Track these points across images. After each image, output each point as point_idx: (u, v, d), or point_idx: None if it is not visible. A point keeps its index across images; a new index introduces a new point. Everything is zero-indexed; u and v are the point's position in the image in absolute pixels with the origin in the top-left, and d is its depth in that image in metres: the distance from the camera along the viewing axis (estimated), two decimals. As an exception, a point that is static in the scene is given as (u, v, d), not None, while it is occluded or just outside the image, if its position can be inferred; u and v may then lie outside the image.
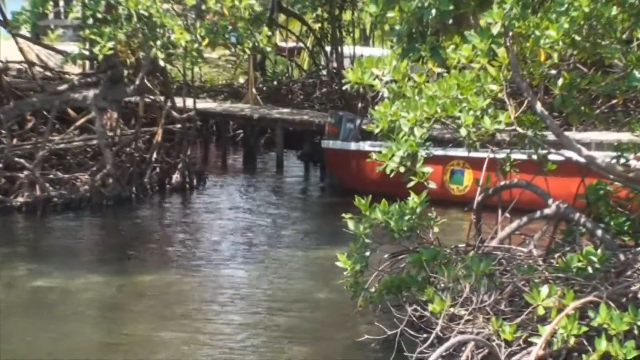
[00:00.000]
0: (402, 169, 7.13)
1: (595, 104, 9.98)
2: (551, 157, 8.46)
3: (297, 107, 23.61)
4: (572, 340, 6.37)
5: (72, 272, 11.05)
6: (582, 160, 7.46)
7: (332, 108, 21.65)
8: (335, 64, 25.55)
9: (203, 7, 13.33)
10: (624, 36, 7.10)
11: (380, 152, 7.20)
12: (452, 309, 7.19)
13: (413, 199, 7.74)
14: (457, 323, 7.14)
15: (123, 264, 11.61)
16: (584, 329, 6.37)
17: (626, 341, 6.21)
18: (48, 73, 18.35)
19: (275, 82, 27.64)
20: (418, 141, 7.07)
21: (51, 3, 15.11)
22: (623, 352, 6.12)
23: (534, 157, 8.56)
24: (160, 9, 12.68)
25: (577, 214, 8.15)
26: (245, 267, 11.73)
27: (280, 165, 20.74)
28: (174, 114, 17.75)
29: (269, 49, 15.07)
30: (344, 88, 8.10)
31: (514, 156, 8.92)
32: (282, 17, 28.52)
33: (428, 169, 7.20)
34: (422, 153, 7.14)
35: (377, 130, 7.39)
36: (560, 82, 7.61)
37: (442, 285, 7.56)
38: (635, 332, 6.29)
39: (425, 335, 7.22)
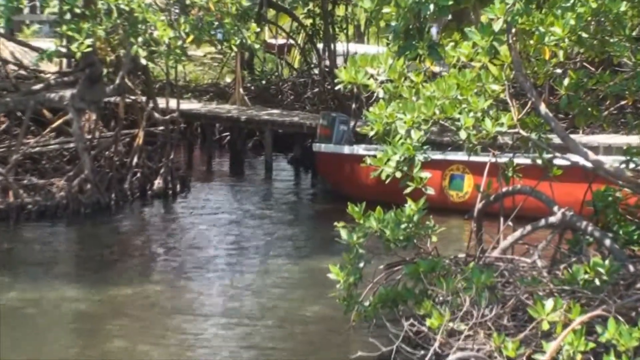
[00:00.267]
0: (398, 175, 7.15)
1: (603, 105, 9.99)
2: (556, 161, 8.47)
3: (287, 108, 23.58)
4: (578, 357, 6.37)
5: (47, 284, 11.01)
6: (589, 165, 7.46)
7: (325, 109, 21.60)
8: (327, 62, 25.52)
9: (187, 1, 13.34)
10: (634, 33, 7.12)
11: (375, 157, 7.21)
12: (451, 324, 7.19)
13: (410, 207, 7.74)
14: (456, 339, 7.14)
15: (101, 276, 11.56)
16: (592, 345, 6.38)
17: (636, 358, 6.20)
18: (22, 71, 18.27)
19: (263, 82, 27.60)
20: (415, 145, 7.08)
21: (27, -4, 15.08)
22: (633, 370, 6.13)
23: (538, 161, 8.56)
24: (142, 3, 12.67)
25: (584, 223, 8.16)
26: (232, 279, 11.68)
27: (269, 170, 20.69)
28: (157, 115, 17.69)
29: (257, 46, 15.10)
30: (336, 88, 8.09)
31: (516, 161, 8.94)
32: (271, 12, 28.55)
33: (426, 174, 7.21)
34: (420, 157, 7.15)
35: (371, 133, 7.40)
36: (566, 82, 7.64)
37: (441, 298, 7.56)
38: (646, 348, 6.29)
39: (422, 352, 7.23)
